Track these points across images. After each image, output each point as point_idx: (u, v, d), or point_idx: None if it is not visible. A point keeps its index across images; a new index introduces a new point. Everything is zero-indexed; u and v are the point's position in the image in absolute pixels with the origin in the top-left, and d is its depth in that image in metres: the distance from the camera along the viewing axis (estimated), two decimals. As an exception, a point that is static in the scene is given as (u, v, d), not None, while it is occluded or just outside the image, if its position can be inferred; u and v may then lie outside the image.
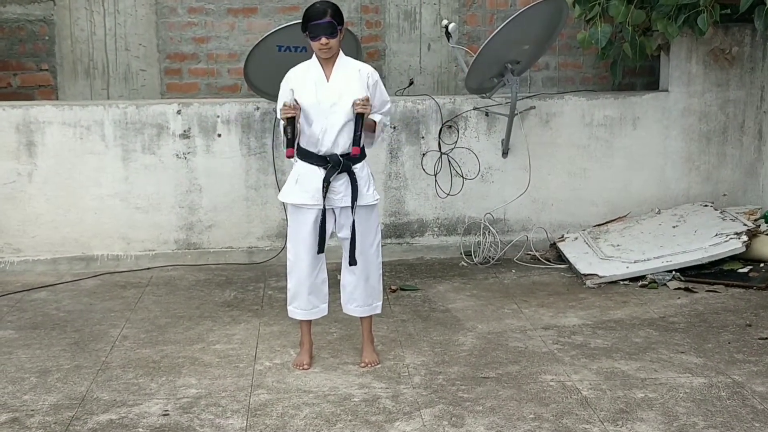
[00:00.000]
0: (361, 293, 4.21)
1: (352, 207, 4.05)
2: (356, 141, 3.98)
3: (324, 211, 4.04)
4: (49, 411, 3.74)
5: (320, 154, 4.02)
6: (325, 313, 4.28)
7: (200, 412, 3.72)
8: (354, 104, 3.94)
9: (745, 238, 5.58)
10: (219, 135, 6.08)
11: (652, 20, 5.97)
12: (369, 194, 4.12)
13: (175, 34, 6.79)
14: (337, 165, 3.99)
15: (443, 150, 6.20)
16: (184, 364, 4.26)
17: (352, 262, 4.12)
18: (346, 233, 4.12)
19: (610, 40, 6.05)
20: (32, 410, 3.75)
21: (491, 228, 6.13)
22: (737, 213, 6.05)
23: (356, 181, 4.04)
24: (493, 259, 6.06)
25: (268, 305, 5.17)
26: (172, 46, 6.81)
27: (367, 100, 3.96)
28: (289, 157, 3.94)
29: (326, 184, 3.99)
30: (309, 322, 4.26)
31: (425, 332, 4.69)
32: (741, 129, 6.44)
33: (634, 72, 6.93)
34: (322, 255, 4.15)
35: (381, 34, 6.93)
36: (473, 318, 4.92)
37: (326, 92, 3.98)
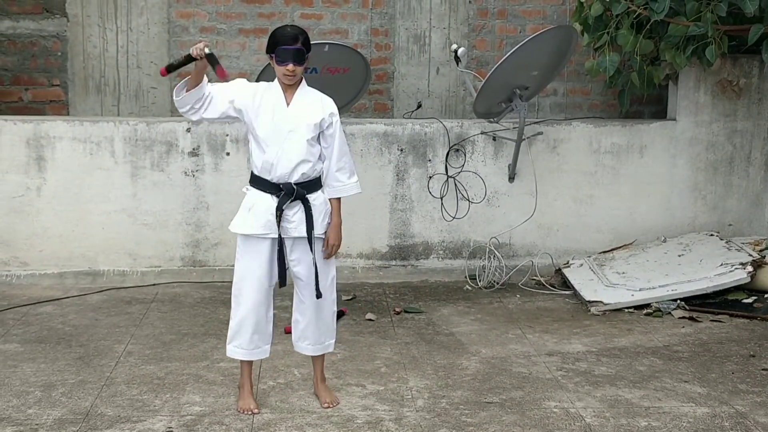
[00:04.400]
0: (313, 331, 3.99)
1: (309, 238, 3.84)
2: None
3: (281, 241, 3.83)
4: (53, 425, 3.74)
5: (273, 181, 3.81)
6: (267, 355, 4.03)
7: (204, 429, 3.73)
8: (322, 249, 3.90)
9: (750, 268, 5.58)
10: (227, 153, 6.12)
11: (660, 50, 6.01)
12: (322, 225, 3.91)
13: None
14: (290, 193, 3.79)
15: (450, 173, 6.22)
16: (189, 382, 4.27)
17: (319, 295, 3.87)
18: (299, 267, 3.91)
19: (618, 69, 6.08)
20: (36, 424, 3.76)
21: (496, 252, 6.14)
22: (743, 243, 6.05)
23: (311, 210, 3.84)
24: (497, 283, 6.07)
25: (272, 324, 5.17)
26: (183, 64, 6.83)
27: (332, 247, 3.93)
28: (163, 75, 4.10)
29: (279, 212, 3.78)
30: (250, 363, 4.00)
31: (429, 355, 4.69)
32: (748, 159, 6.46)
33: (641, 100, 6.96)
34: (271, 292, 3.94)
35: (390, 57, 6.98)
36: (477, 342, 4.92)
37: (284, 117, 3.80)
